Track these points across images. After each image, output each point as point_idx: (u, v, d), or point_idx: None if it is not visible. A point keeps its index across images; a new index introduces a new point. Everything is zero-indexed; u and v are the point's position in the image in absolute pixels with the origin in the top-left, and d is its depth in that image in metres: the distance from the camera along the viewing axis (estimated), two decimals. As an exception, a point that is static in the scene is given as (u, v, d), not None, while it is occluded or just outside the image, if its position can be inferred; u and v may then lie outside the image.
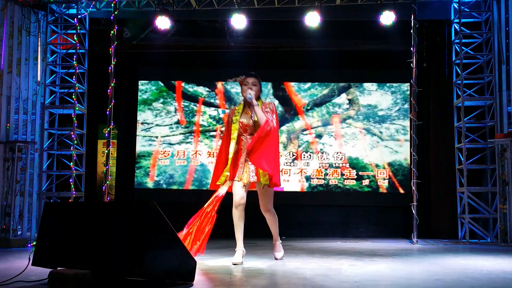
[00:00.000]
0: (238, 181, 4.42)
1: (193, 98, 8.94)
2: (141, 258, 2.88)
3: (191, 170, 8.75)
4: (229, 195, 4.54)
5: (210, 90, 8.92)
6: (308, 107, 8.83)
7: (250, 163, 4.41)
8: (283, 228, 8.33)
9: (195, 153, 8.79)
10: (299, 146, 8.76)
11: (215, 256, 5.01)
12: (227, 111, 8.82)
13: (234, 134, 4.49)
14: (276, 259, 4.67)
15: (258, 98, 4.53)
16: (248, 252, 5.21)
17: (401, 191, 8.53)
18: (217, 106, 8.89)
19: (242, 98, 4.63)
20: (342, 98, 8.82)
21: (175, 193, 8.71)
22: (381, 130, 8.69)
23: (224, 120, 4.52)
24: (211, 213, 4.44)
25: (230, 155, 4.48)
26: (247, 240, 5.93)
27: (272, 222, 4.67)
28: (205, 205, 4.50)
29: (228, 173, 4.49)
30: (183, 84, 8.98)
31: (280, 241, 4.78)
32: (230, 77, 4.67)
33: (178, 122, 8.90)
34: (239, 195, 4.38)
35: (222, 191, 4.51)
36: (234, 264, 4.23)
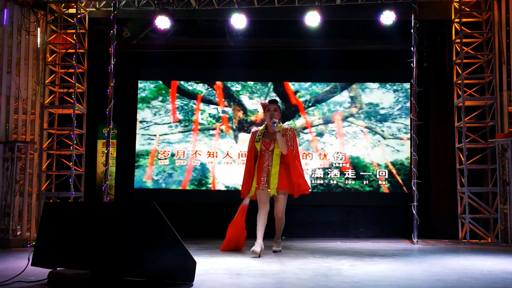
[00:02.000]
0: (262, 190, 5.26)
1: (191, 95, 8.93)
2: (141, 258, 2.87)
3: (191, 170, 8.73)
4: (252, 203, 5.45)
5: (209, 87, 8.90)
6: (310, 104, 8.81)
7: (271, 175, 5.28)
8: (284, 228, 8.41)
9: (195, 152, 8.77)
10: (299, 145, 8.74)
11: (215, 256, 5.00)
12: (226, 109, 8.80)
13: (261, 150, 5.34)
14: (273, 251, 5.38)
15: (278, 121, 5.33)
16: (248, 252, 5.20)
17: (402, 191, 8.52)
18: (216, 104, 8.87)
19: (264, 122, 5.52)
20: (344, 96, 8.81)
21: (174, 193, 8.70)
22: (382, 129, 8.68)
23: (250, 140, 5.58)
24: (242, 223, 5.43)
25: (257, 168, 5.35)
26: (248, 240, 5.92)
27: (279, 225, 5.45)
28: (235, 217, 5.44)
29: (256, 185, 5.33)
30: (181, 82, 8.96)
31: (280, 239, 5.57)
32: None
33: (177, 121, 8.88)
34: (263, 202, 5.27)
35: (246, 201, 5.41)
36: (252, 252, 4.92)
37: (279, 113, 5.33)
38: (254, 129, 5.58)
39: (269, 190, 5.24)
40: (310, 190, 5.56)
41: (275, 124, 5.16)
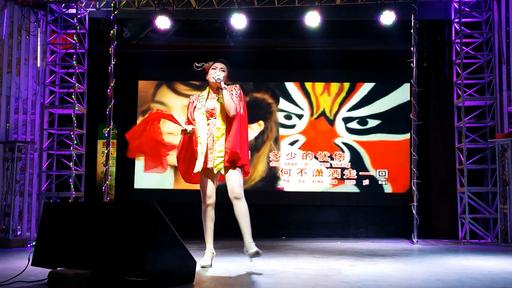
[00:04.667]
0: (210, 168, 4.08)
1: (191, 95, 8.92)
2: (141, 258, 2.87)
3: (191, 170, 8.72)
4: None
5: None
6: (312, 105, 8.81)
7: (215, 147, 4.08)
8: (283, 228, 8.45)
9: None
10: (299, 146, 8.75)
11: (215, 256, 4.99)
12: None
13: (203, 121, 4.16)
14: (250, 255, 3.92)
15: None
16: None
17: (401, 191, 8.52)
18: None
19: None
20: (344, 97, 8.79)
21: (174, 193, 8.69)
22: (382, 129, 8.67)
23: (188, 107, 4.41)
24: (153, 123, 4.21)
25: (200, 140, 4.11)
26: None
27: (242, 211, 4.01)
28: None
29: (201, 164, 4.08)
30: (181, 83, 8.96)
31: (252, 240, 3.97)
32: (230, 76, 4.44)
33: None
34: (208, 195, 4.15)
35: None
36: (202, 267, 3.97)
37: (226, 75, 4.25)
38: (192, 97, 4.41)
39: (216, 167, 4.04)
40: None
41: (219, 77, 4.11)
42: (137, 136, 4.21)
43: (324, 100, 8.82)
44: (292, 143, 8.76)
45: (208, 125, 4.15)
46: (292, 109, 8.82)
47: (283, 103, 8.84)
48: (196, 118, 4.21)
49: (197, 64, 4.40)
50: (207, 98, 4.25)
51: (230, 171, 4.06)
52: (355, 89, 8.80)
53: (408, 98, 8.41)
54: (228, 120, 4.11)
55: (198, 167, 4.07)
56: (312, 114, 8.80)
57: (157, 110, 4.33)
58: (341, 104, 8.79)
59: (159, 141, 4.24)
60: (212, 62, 4.34)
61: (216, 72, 4.19)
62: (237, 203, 4.02)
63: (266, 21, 8.28)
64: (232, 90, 4.16)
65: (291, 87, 8.89)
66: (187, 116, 4.33)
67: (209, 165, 4.09)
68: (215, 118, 4.14)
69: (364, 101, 8.76)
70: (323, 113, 8.79)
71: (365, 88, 8.79)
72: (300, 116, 8.80)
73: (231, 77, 4.40)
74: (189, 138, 4.25)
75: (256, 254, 3.87)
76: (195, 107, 4.27)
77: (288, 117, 8.81)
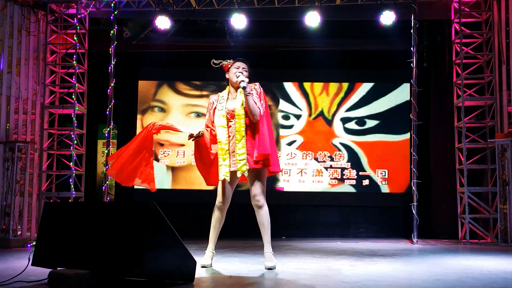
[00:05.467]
0: (233, 171, 4.00)
1: (192, 95, 8.92)
2: (141, 258, 2.87)
3: (191, 170, 8.72)
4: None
5: (209, 88, 8.90)
6: (310, 105, 8.81)
7: (237, 150, 3.98)
8: (283, 228, 8.45)
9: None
10: (296, 147, 8.75)
11: (215, 256, 4.99)
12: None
13: (224, 123, 4.04)
14: (267, 268, 3.93)
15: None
16: (248, 252, 5.21)
17: (401, 191, 8.52)
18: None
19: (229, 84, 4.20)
20: (343, 97, 8.80)
21: (174, 193, 8.69)
22: (381, 130, 8.67)
23: (208, 108, 4.24)
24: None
25: (223, 145, 4.01)
26: (248, 240, 5.91)
27: (264, 219, 4.03)
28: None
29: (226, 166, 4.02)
30: (182, 84, 8.97)
31: (272, 252, 4.05)
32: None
33: (177, 122, 8.88)
34: (225, 196, 4.06)
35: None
36: (202, 267, 3.99)
37: (248, 76, 4.05)
38: (212, 97, 4.23)
39: (240, 170, 3.94)
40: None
41: (244, 84, 3.90)
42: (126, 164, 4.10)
43: (323, 100, 8.82)
44: (289, 144, 8.76)
45: (229, 127, 4.03)
46: (290, 109, 8.82)
47: (281, 103, 8.84)
48: (216, 121, 4.07)
49: (215, 61, 4.14)
50: (227, 98, 4.10)
51: (254, 177, 4.00)
52: (353, 89, 8.80)
53: (408, 98, 8.41)
54: (250, 121, 3.98)
55: (223, 173, 3.99)
56: (310, 114, 8.79)
57: (153, 124, 4.15)
58: (340, 104, 8.78)
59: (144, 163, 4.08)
60: (232, 61, 4.13)
61: (240, 76, 3.97)
62: (258, 211, 4.04)
63: (266, 21, 8.29)
64: (252, 90, 3.98)
65: (290, 87, 8.89)
66: (207, 118, 4.17)
67: (232, 168, 4.00)
68: (236, 119, 3.98)
69: (363, 101, 8.75)
70: (321, 113, 8.78)
71: (364, 88, 8.79)
72: (298, 116, 8.80)
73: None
74: (202, 141, 4.14)
75: (271, 267, 3.93)
76: (215, 108, 4.12)
77: (286, 117, 8.80)
